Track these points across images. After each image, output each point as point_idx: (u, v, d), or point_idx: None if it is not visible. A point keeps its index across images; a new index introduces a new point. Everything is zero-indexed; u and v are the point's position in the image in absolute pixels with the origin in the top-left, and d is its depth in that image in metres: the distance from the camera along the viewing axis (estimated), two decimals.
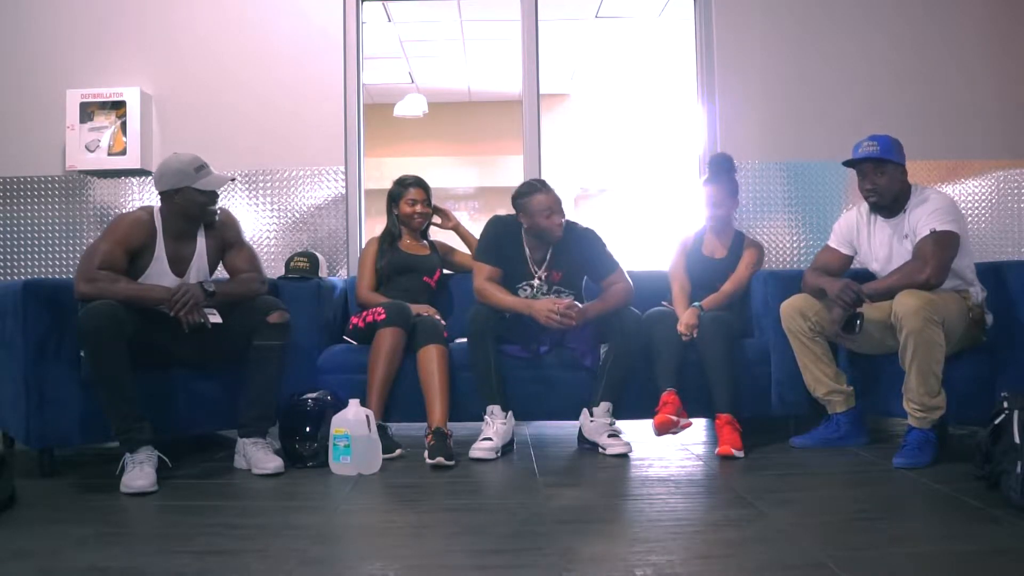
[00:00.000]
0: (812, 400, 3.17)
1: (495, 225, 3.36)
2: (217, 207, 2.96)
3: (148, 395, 2.76)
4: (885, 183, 2.98)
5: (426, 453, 2.92)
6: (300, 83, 4.13)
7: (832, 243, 3.20)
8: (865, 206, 3.10)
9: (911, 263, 2.89)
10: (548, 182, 3.30)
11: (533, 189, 3.24)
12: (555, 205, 3.22)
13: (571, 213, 3.36)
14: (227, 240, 3.01)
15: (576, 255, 3.31)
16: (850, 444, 3.09)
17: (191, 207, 2.88)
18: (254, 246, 3.20)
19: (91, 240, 4.03)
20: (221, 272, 3.06)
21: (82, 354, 2.70)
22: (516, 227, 3.33)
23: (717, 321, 3.21)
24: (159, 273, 2.85)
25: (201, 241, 2.96)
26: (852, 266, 3.21)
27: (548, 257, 3.31)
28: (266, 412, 2.89)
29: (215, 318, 2.78)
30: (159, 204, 2.93)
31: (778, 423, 3.30)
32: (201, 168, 2.88)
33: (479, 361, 3.13)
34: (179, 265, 2.91)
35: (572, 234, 3.31)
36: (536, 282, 3.30)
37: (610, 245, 3.35)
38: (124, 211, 3.03)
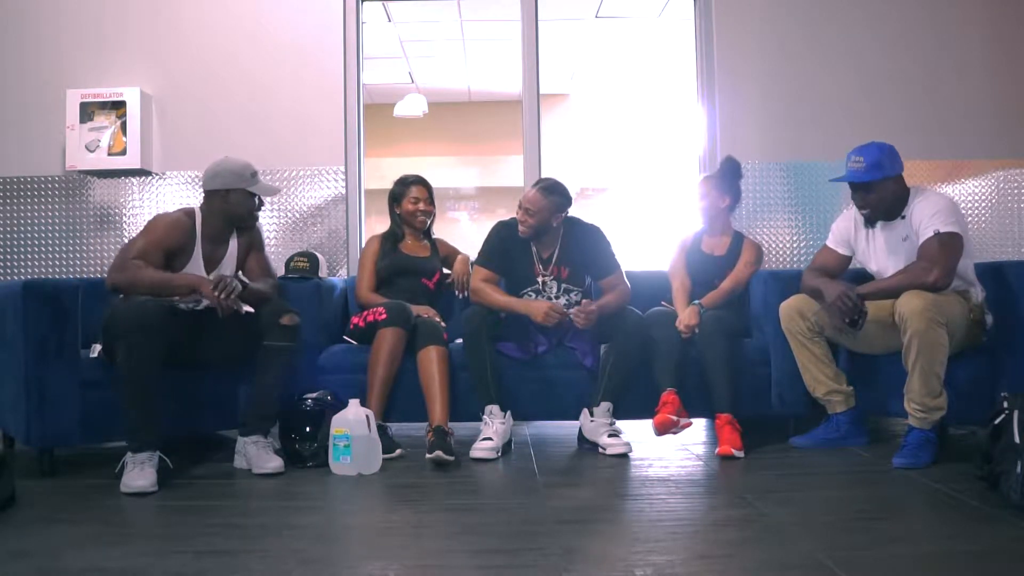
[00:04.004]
0: (812, 400, 3.17)
1: (499, 231, 3.35)
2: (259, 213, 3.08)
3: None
4: (874, 200, 2.97)
5: (427, 450, 2.91)
6: (300, 83, 4.13)
7: (830, 243, 3.20)
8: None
9: (917, 264, 2.88)
10: (552, 188, 3.23)
11: (532, 184, 3.29)
12: (524, 200, 3.24)
13: (572, 211, 3.34)
14: (253, 244, 3.09)
15: (581, 251, 3.31)
16: (850, 444, 3.09)
17: (238, 208, 2.98)
18: None
19: (92, 240, 4.10)
20: None
21: (98, 347, 2.76)
22: None
23: (717, 321, 3.21)
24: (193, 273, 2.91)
25: (233, 243, 3.04)
26: (851, 266, 3.20)
27: (556, 254, 3.31)
28: (268, 412, 2.90)
29: (248, 307, 2.84)
30: (200, 204, 3.00)
31: (778, 423, 3.30)
32: (255, 174, 3.01)
33: (475, 362, 3.13)
34: (211, 266, 2.98)
35: (578, 230, 3.32)
36: (541, 279, 3.29)
37: (612, 244, 3.35)
38: (161, 212, 3.12)
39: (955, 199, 3.49)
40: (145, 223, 2.99)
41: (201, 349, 2.90)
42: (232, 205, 2.96)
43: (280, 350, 2.87)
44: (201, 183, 3.02)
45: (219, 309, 2.75)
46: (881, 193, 2.96)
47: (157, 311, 2.65)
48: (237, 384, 3.02)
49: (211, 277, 2.82)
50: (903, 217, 2.98)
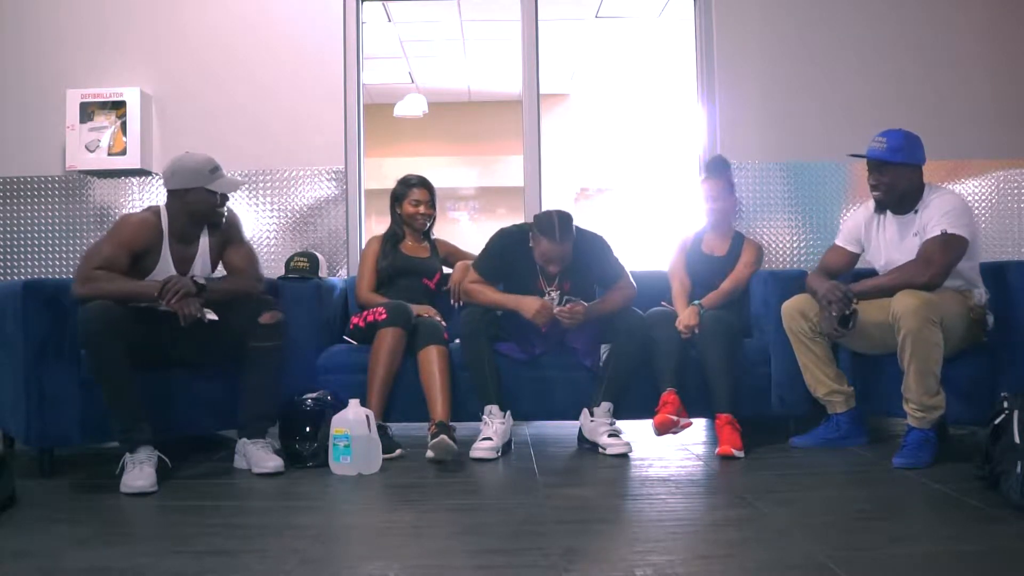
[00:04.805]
0: (812, 400, 3.17)
1: (502, 240, 3.30)
2: (225, 210, 2.96)
3: (148, 395, 2.75)
4: (887, 182, 2.97)
5: (428, 444, 2.89)
6: (300, 83, 4.13)
7: (839, 241, 3.20)
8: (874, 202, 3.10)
9: (913, 263, 2.88)
10: (568, 229, 3.11)
11: (546, 232, 3.09)
12: (556, 257, 3.12)
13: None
14: (229, 238, 3.01)
15: (585, 262, 3.27)
16: (850, 444, 3.09)
17: (200, 207, 2.88)
18: (254, 246, 3.18)
19: (92, 240, 4.05)
20: (221, 271, 3.06)
21: (83, 353, 2.70)
22: (526, 240, 3.23)
23: (718, 321, 3.21)
24: (164, 274, 2.83)
25: (204, 241, 2.96)
26: (858, 266, 3.20)
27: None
28: (265, 413, 2.89)
29: (211, 315, 2.75)
30: (165, 203, 2.93)
31: (778, 423, 3.30)
32: (215, 170, 2.89)
33: (474, 362, 3.13)
34: (183, 265, 2.90)
35: (580, 242, 3.24)
36: (547, 294, 3.25)
37: (615, 248, 3.33)
38: (128, 211, 3.01)
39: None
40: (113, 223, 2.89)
41: (182, 349, 2.86)
42: (192, 204, 2.86)
43: (265, 350, 2.83)
44: (162, 181, 2.93)
45: (180, 317, 2.67)
46: (895, 177, 2.95)
47: (116, 314, 2.60)
48: (236, 384, 3.00)
49: (163, 280, 2.71)
50: (916, 212, 2.98)
